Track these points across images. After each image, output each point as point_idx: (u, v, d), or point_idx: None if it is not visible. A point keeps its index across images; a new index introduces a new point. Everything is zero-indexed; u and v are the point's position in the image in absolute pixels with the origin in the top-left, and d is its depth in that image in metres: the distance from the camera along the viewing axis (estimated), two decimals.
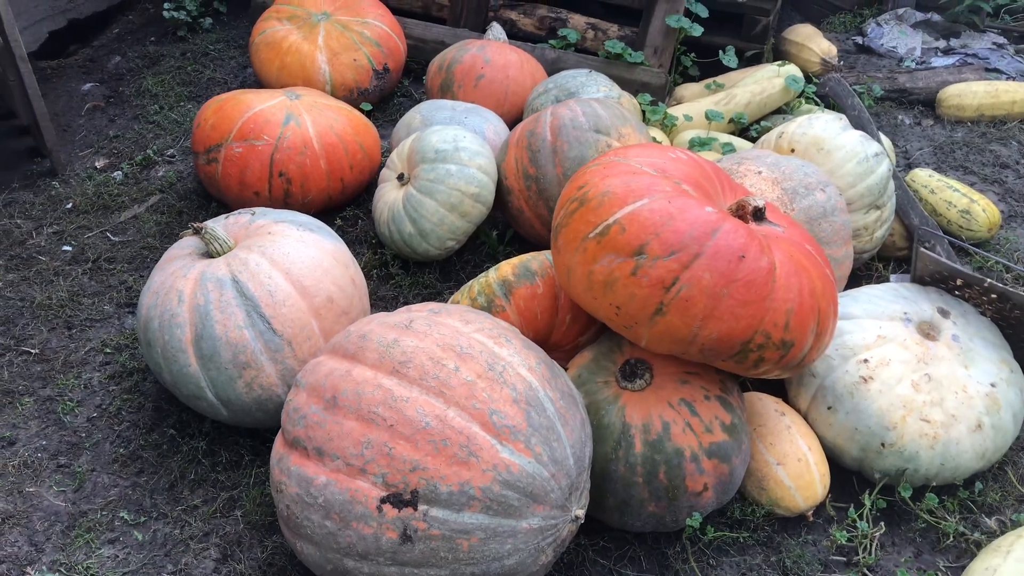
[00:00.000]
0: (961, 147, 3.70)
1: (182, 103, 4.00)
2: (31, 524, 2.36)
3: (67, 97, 4.08)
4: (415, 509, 1.82)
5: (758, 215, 2.10)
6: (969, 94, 3.84)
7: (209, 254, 2.46)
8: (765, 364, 2.04)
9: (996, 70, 4.15)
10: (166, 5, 4.46)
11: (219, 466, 2.49)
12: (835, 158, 2.78)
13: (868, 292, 2.51)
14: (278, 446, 2.03)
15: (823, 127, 2.84)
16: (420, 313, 2.08)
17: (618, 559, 2.27)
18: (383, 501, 1.83)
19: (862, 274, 3.02)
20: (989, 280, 2.38)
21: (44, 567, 2.25)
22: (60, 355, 2.83)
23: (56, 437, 2.59)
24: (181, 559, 2.27)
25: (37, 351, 2.85)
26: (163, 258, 2.55)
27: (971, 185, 3.48)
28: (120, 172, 3.61)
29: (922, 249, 2.53)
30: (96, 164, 3.67)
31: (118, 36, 4.56)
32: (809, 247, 2.16)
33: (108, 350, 2.85)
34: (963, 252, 3.13)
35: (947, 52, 4.35)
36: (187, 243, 2.55)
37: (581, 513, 1.96)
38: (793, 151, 2.84)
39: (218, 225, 2.55)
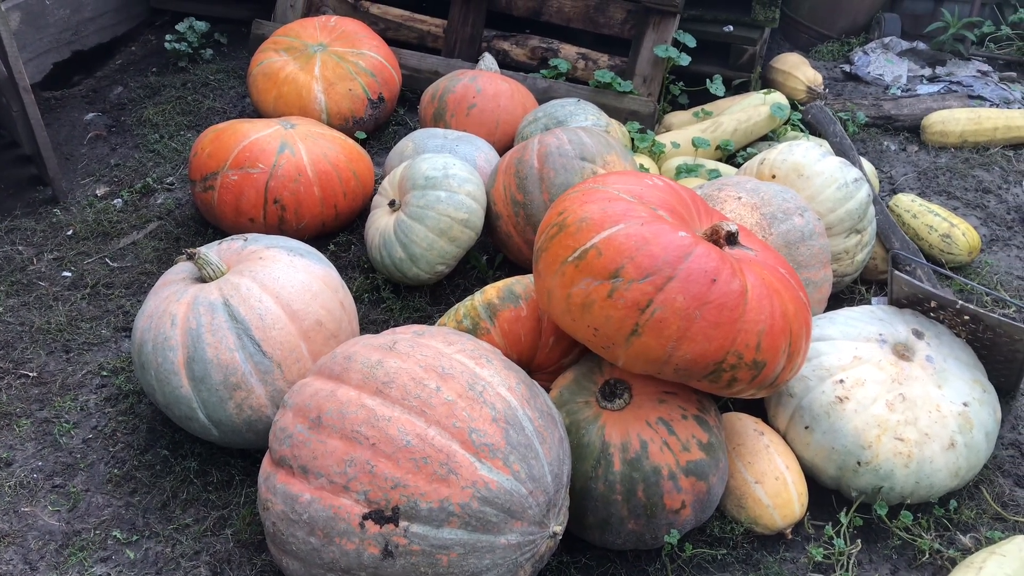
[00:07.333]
0: (945, 172, 3.77)
1: (182, 132, 4.09)
2: (26, 543, 2.41)
3: (70, 127, 4.18)
4: (396, 525, 1.87)
5: (731, 239, 2.17)
6: (952, 121, 3.91)
7: (202, 279, 2.53)
8: (738, 384, 2.10)
9: (980, 97, 4.23)
10: (168, 37, 4.57)
11: (210, 486, 2.54)
12: (815, 184, 2.84)
13: (845, 314, 2.57)
14: (265, 465, 2.09)
15: (803, 154, 2.91)
16: (404, 335, 2.15)
17: None
18: (365, 518, 1.88)
19: (844, 297, 3.08)
20: (961, 302, 2.44)
21: None
22: (58, 378, 2.90)
23: (52, 458, 2.65)
24: None
25: (35, 374, 2.92)
26: (158, 283, 2.62)
27: (954, 210, 3.55)
28: (120, 200, 3.70)
29: (896, 272, 2.59)
30: (97, 192, 3.76)
31: (121, 67, 4.67)
32: (782, 270, 2.22)
33: (105, 373, 2.91)
34: (944, 276, 3.19)
35: (932, 80, 4.43)
36: (182, 268, 2.62)
37: (559, 529, 2.01)
38: (774, 177, 2.91)
39: (211, 251, 2.62)
